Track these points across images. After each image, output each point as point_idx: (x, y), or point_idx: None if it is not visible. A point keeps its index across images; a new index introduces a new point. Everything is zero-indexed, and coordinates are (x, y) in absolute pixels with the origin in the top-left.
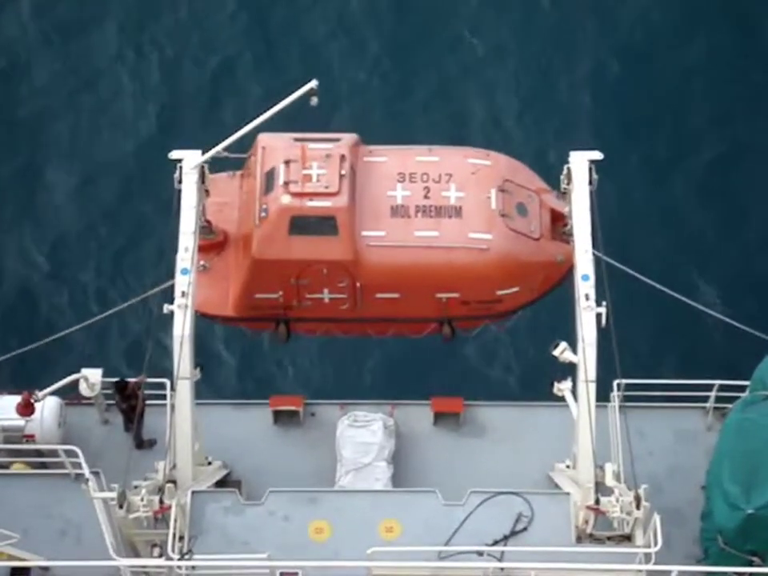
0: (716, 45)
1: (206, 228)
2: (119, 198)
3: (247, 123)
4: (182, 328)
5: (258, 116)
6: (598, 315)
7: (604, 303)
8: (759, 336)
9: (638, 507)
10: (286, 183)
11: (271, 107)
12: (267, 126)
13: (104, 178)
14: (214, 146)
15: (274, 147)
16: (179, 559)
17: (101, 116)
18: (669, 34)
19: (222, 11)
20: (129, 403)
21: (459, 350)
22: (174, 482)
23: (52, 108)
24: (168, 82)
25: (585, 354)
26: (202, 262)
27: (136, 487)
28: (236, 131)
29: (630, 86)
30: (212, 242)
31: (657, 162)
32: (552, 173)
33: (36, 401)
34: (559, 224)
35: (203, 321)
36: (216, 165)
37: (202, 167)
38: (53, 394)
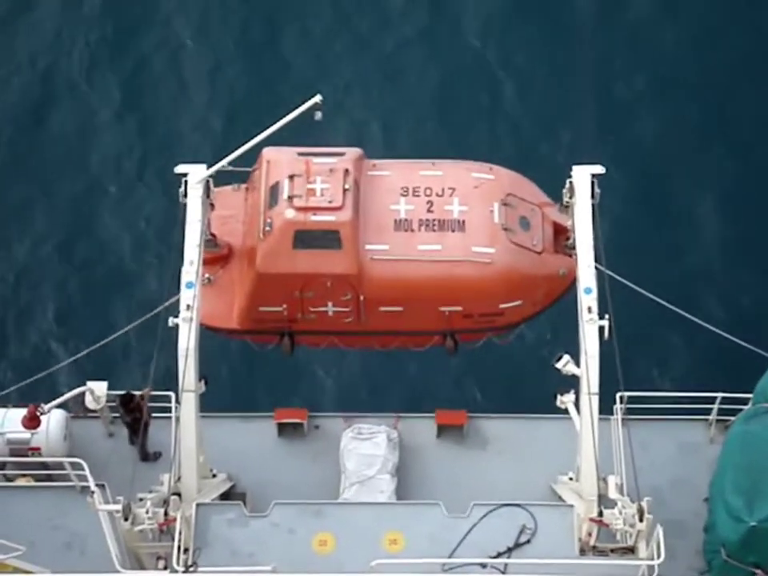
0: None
1: (210, 241)
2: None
3: (252, 138)
4: (187, 341)
5: (263, 130)
6: (601, 328)
7: (606, 316)
8: (759, 353)
9: (640, 519)
10: (290, 197)
11: (276, 121)
12: (273, 139)
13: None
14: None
15: (279, 161)
16: (184, 571)
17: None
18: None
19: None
20: (134, 416)
21: (462, 363)
22: (178, 494)
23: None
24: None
25: (587, 367)
26: (206, 275)
27: (141, 500)
28: (241, 145)
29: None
30: (216, 255)
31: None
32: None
33: (42, 414)
34: (562, 237)
35: (209, 334)
36: (220, 178)
37: (207, 181)
38: (58, 406)
